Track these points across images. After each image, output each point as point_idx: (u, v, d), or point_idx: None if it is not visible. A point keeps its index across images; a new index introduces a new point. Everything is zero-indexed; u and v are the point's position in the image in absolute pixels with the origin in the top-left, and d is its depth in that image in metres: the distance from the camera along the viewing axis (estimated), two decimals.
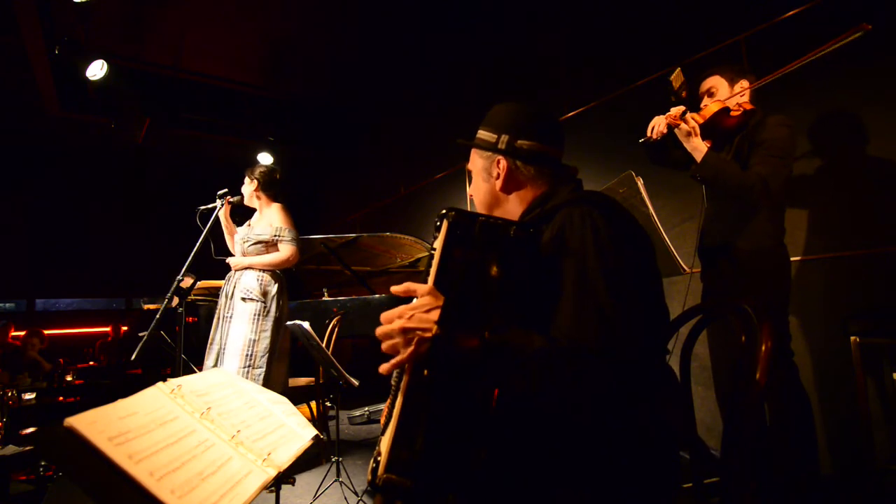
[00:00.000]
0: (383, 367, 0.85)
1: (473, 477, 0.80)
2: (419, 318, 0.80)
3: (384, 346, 0.84)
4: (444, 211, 0.88)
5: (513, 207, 1.08)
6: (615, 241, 0.86)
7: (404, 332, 0.80)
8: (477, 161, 1.12)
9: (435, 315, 0.80)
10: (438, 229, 0.87)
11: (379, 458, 0.81)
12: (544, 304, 0.85)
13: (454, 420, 0.80)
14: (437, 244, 0.87)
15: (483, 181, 1.11)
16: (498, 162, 1.07)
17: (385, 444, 0.81)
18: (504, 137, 1.06)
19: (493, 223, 0.87)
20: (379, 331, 0.84)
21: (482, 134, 1.11)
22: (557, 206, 0.96)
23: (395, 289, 0.88)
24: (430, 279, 0.85)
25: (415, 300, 0.85)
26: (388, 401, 1.02)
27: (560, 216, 0.91)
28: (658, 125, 2.04)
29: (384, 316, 0.85)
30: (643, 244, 0.94)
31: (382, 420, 1.04)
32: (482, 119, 1.14)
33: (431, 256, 0.89)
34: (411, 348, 0.79)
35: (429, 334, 0.79)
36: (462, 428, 0.81)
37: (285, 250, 2.82)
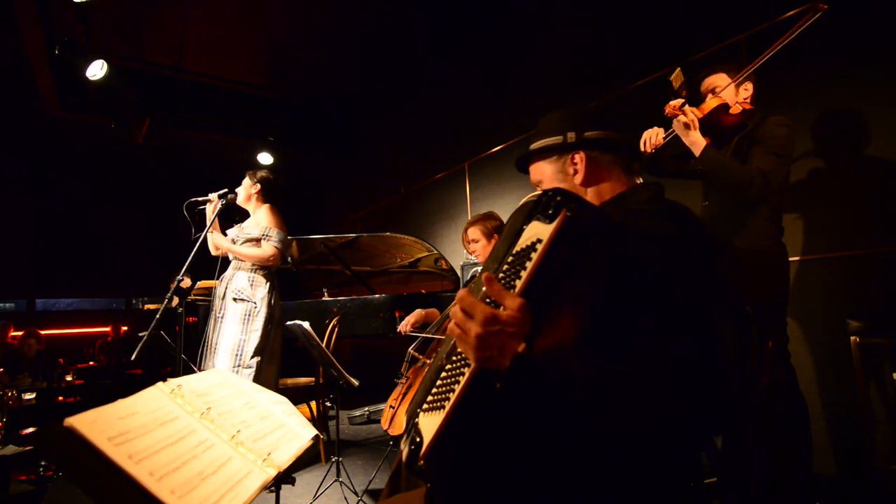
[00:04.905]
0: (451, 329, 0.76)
1: (506, 478, 0.78)
2: (500, 337, 0.70)
3: (452, 327, 0.75)
4: (558, 196, 0.69)
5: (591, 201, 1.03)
6: (703, 267, 0.82)
7: (480, 341, 0.70)
8: (545, 169, 1.08)
9: (519, 333, 0.70)
10: (545, 216, 0.70)
11: (419, 441, 0.78)
12: (636, 322, 0.75)
13: (508, 425, 0.77)
14: (543, 235, 0.69)
15: (558, 183, 1.06)
16: (572, 157, 1.04)
17: (428, 429, 0.77)
18: (571, 134, 1.03)
19: (618, 231, 0.73)
20: (455, 315, 0.75)
21: (543, 142, 1.08)
22: (635, 211, 0.92)
23: (490, 281, 0.73)
24: (521, 285, 0.70)
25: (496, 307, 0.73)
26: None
27: (641, 223, 0.85)
28: (651, 138, 2.04)
29: (465, 302, 0.74)
30: (719, 257, 0.90)
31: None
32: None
33: (513, 243, 0.74)
34: (483, 360, 0.71)
35: (507, 355, 0.70)
36: (512, 432, 0.77)
37: (267, 249, 2.82)
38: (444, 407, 0.76)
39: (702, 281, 0.81)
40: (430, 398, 0.85)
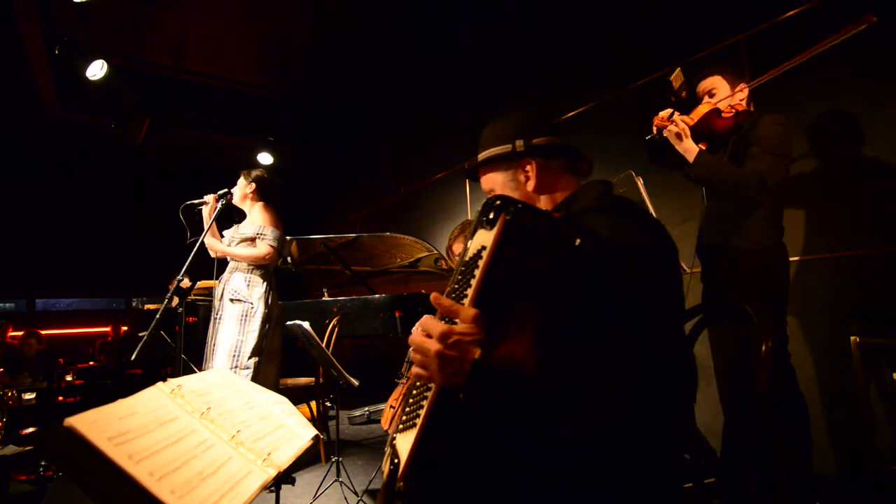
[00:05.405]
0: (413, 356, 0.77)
1: (484, 494, 0.78)
2: (460, 349, 0.71)
3: (413, 355, 0.77)
4: (497, 202, 0.71)
5: (544, 207, 1.04)
6: (652, 257, 0.83)
7: (441, 358, 0.71)
8: (496, 179, 1.09)
9: (476, 341, 0.71)
10: (487, 222, 0.72)
11: (396, 462, 0.78)
12: (591, 317, 0.75)
13: (479, 439, 0.76)
14: (487, 242, 0.70)
15: (511, 191, 1.07)
16: (524, 166, 1.05)
17: (404, 449, 0.77)
18: (519, 142, 1.04)
19: (559, 229, 0.73)
20: (414, 342, 0.76)
21: (492, 151, 1.08)
22: (581, 210, 0.93)
23: (438, 300, 0.75)
24: (472, 294, 0.71)
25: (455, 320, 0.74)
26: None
27: (589, 221, 0.85)
28: (664, 118, 2.03)
29: (424, 324, 0.76)
30: (672, 248, 0.90)
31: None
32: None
33: (465, 256, 0.75)
34: (447, 375, 0.72)
35: (468, 366, 0.70)
36: (486, 445, 0.76)
37: (262, 248, 2.81)
38: (416, 425, 0.76)
39: (658, 272, 0.81)
40: (405, 417, 0.86)
